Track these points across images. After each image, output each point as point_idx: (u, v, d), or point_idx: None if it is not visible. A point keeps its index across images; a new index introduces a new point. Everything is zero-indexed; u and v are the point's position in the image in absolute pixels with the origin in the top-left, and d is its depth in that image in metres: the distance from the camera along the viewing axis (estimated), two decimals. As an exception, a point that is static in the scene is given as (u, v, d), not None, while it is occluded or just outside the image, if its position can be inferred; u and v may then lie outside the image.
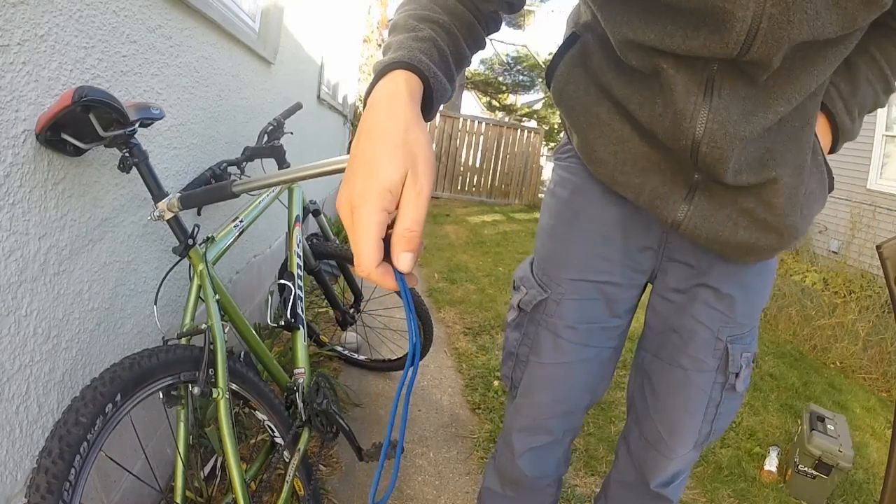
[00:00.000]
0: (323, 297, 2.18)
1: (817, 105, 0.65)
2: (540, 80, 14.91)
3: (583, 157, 0.78)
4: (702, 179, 0.67)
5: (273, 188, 1.52)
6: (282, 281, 1.47)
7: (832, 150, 0.73)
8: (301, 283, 1.50)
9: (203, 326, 1.06)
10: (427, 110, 0.53)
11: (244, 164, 1.51)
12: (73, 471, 0.75)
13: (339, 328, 2.27)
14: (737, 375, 0.80)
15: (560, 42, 0.79)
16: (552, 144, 12.48)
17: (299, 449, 1.25)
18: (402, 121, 0.44)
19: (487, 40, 0.75)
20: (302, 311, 1.46)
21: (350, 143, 0.47)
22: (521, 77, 15.95)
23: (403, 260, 0.40)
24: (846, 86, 0.69)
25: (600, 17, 0.64)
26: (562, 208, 0.85)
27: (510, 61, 15.95)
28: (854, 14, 0.51)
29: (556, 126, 14.29)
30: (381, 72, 0.50)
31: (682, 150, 0.63)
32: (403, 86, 0.48)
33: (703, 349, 0.79)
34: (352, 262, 2.08)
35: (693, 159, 0.63)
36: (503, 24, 0.69)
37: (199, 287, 1.13)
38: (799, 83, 0.58)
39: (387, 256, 0.42)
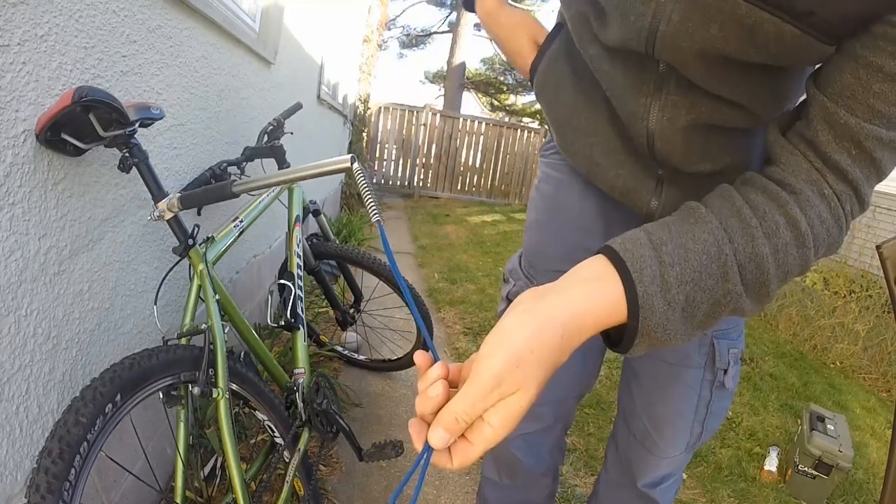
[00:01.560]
0: (323, 297, 2.18)
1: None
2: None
3: (561, 149, 0.79)
4: (666, 174, 0.68)
5: (273, 188, 1.52)
6: (282, 281, 1.47)
7: (623, 349, 0.46)
8: (301, 283, 1.50)
9: (203, 326, 1.06)
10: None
11: (244, 164, 1.52)
12: (73, 471, 0.75)
13: (339, 328, 2.27)
14: (725, 372, 0.80)
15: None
16: (552, 144, 12.46)
17: (299, 449, 1.25)
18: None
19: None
20: (302, 311, 1.46)
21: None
22: (522, 77, 15.89)
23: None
24: (677, 241, 0.45)
25: (562, 6, 0.66)
26: (545, 203, 0.87)
27: (511, 61, 15.92)
28: (766, 54, 0.49)
29: (556, 126, 14.21)
30: None
31: (641, 146, 0.65)
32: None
33: (689, 344, 0.80)
34: (352, 262, 2.07)
35: (651, 153, 0.65)
36: None
37: (199, 287, 1.13)
38: (744, 87, 0.56)
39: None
